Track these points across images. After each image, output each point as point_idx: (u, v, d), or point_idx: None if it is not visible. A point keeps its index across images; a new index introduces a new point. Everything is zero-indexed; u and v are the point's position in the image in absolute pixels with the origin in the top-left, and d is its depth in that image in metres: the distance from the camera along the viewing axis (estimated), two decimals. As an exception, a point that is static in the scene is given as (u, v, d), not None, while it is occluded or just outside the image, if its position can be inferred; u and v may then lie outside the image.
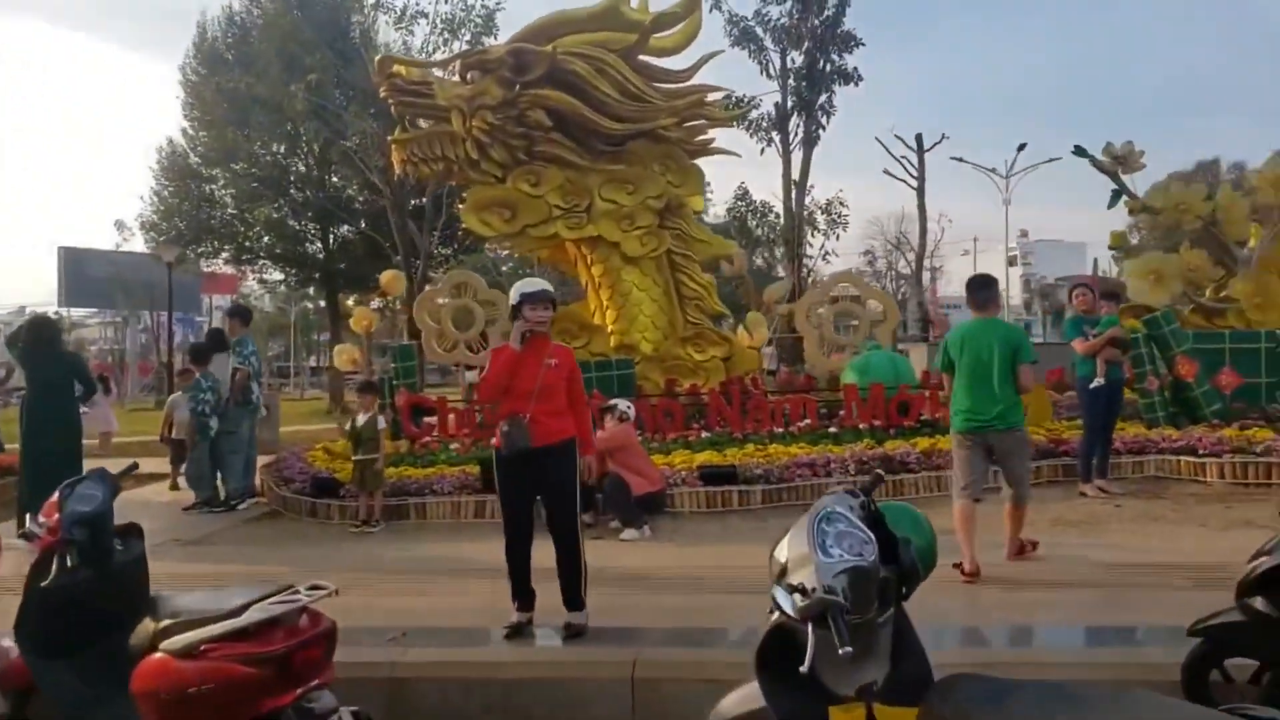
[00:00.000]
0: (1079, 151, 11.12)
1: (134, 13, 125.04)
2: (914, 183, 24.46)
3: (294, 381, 61.05)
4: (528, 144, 11.88)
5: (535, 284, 5.10)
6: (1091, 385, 8.17)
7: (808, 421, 9.95)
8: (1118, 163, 10.81)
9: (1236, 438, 8.51)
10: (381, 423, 8.57)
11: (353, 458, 8.62)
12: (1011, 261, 53.47)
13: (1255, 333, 9.85)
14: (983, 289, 6.04)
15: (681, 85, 12.12)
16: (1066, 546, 6.55)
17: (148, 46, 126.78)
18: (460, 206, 30.15)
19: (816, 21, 20.29)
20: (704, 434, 9.99)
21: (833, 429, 9.78)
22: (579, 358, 11.43)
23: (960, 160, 32.73)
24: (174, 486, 11.05)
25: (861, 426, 9.71)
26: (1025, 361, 5.80)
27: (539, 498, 5.05)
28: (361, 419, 8.54)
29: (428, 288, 13.53)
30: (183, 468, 10.61)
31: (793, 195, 21.17)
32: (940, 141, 24.83)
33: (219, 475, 9.79)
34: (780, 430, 9.90)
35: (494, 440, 5.11)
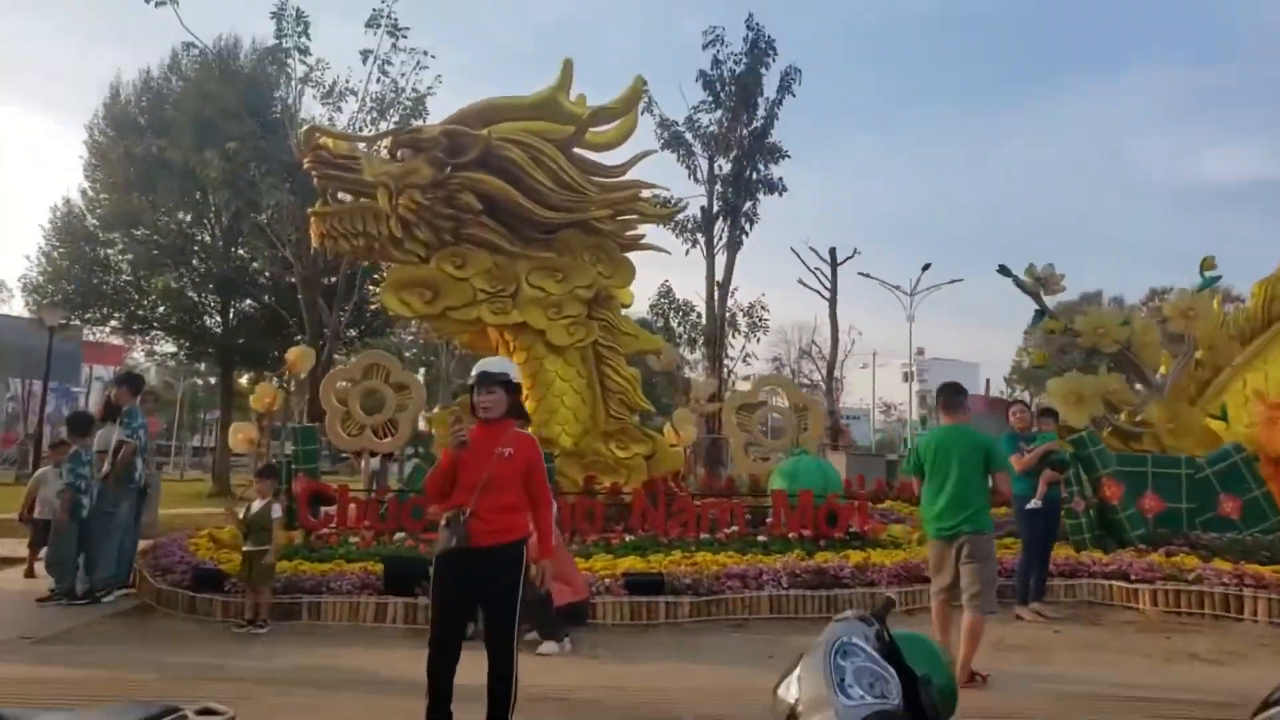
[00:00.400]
0: (1003, 270, 11.34)
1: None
2: (826, 294, 24.99)
3: (174, 461, 57.80)
4: (455, 226, 11.48)
5: (491, 364, 4.63)
6: (1029, 505, 8.02)
7: (735, 528, 9.53)
8: (1039, 284, 11.03)
9: (1166, 564, 8.42)
10: (277, 511, 7.79)
11: (242, 548, 7.77)
12: (906, 377, 55.08)
13: (1176, 458, 9.96)
14: (955, 395, 6.03)
15: (616, 180, 11.98)
16: (1014, 675, 6.21)
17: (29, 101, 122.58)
18: (374, 286, 29.74)
19: (745, 131, 20.80)
20: (626, 537, 9.47)
21: (761, 537, 9.37)
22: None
23: (867, 276, 33.64)
24: (29, 573, 9.87)
25: (790, 536, 9.33)
26: (999, 469, 5.84)
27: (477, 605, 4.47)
28: (256, 505, 7.75)
29: (335, 367, 12.79)
30: (42, 551, 9.49)
31: (715, 296, 21.27)
32: (852, 256, 25.56)
33: (81, 562, 8.74)
34: (706, 536, 9.45)
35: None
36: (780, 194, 21.02)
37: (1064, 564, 8.75)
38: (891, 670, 2.17)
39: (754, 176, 20.29)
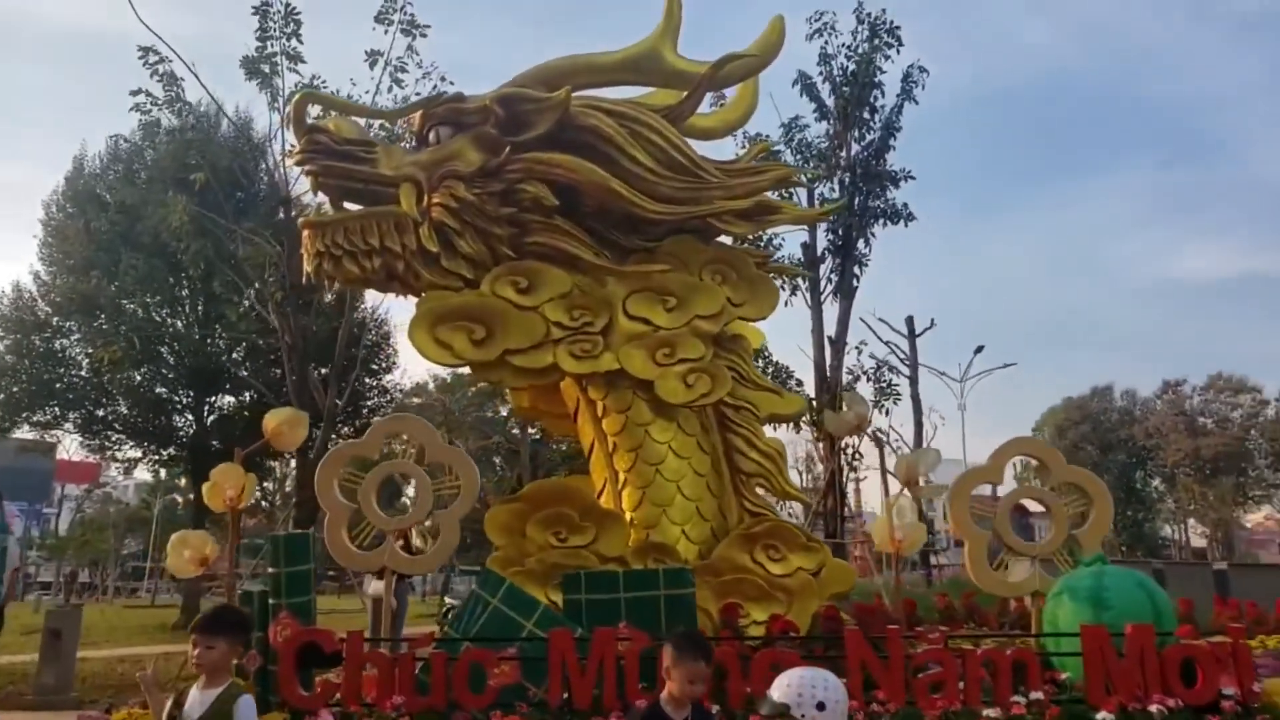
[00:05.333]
0: None
1: None
2: (906, 370, 21.17)
3: (146, 585, 52.73)
4: (515, 233, 7.85)
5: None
6: None
7: (1037, 695, 5.48)
8: None
9: None
10: (246, 710, 3.76)
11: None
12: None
13: None
14: None
15: (743, 164, 8.41)
16: None
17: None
18: (385, 330, 25.39)
19: (858, 147, 17.10)
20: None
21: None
22: (578, 562, 7.00)
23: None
24: None
25: (1128, 708, 5.34)
26: None
27: None
28: (195, 699, 3.74)
29: (339, 445, 8.85)
30: None
31: (827, 355, 17.26)
32: (931, 327, 21.83)
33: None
34: (967, 710, 5.47)
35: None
36: (906, 224, 17.26)
37: None
38: None
39: (872, 202, 16.52)
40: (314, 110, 10.54)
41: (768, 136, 16.12)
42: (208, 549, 6.80)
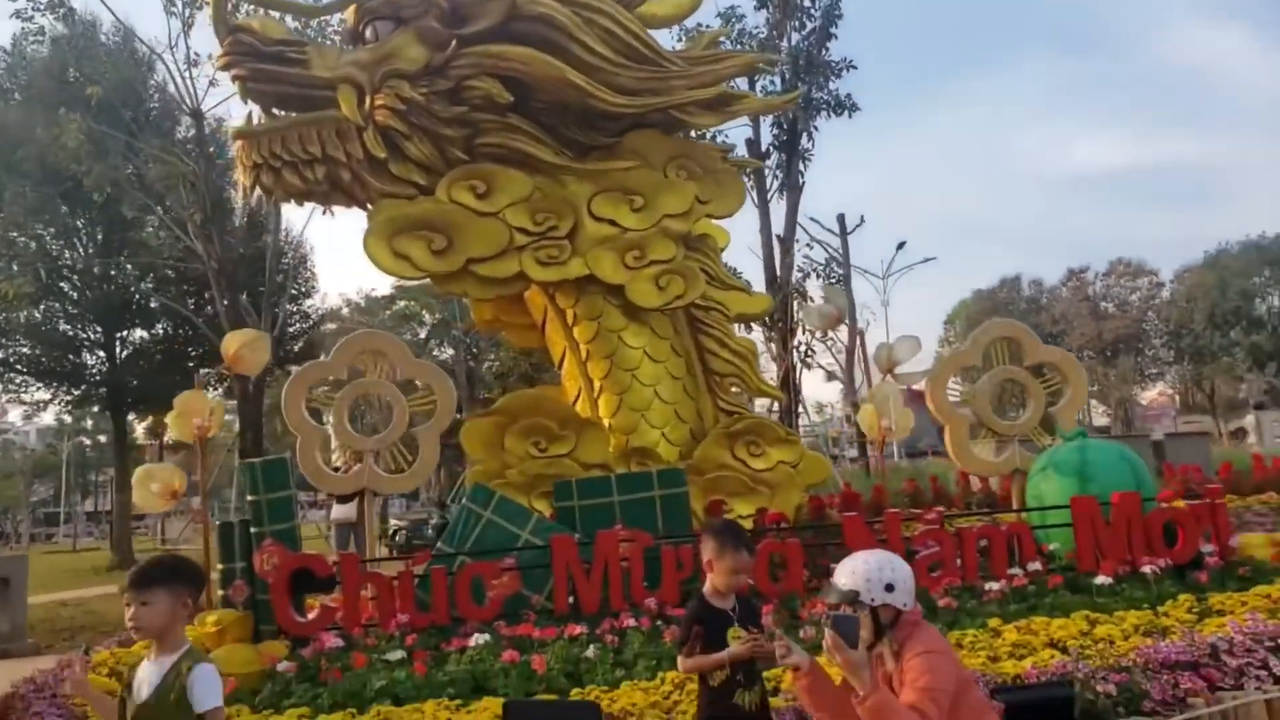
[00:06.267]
0: None
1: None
2: (839, 269, 21.20)
3: (64, 531, 50.99)
4: (468, 134, 7.44)
5: None
6: None
7: (1021, 571, 5.61)
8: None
9: None
10: (207, 688, 2.72)
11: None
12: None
13: None
14: None
15: (702, 52, 8.09)
16: None
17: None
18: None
19: (798, 36, 16.55)
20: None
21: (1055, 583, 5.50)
22: (560, 470, 6.89)
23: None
24: None
25: (1119, 572, 5.53)
26: None
27: None
28: (147, 674, 2.78)
29: (306, 365, 8.34)
30: None
31: (775, 254, 17.05)
32: (861, 224, 21.80)
33: None
34: (967, 586, 5.59)
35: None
36: (850, 114, 16.88)
37: None
38: None
39: (814, 93, 16.05)
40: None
41: (708, 27, 15.60)
42: (176, 481, 6.44)
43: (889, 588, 2.88)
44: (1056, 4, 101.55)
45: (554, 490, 6.41)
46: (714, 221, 8.37)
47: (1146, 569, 5.40)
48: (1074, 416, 7.09)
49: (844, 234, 21.17)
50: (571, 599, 5.48)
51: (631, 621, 5.18)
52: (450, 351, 29.84)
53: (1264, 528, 6.90)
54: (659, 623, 5.16)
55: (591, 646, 4.83)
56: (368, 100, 7.33)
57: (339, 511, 9.65)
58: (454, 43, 7.26)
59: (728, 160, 8.33)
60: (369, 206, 7.58)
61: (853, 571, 2.84)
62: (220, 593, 5.81)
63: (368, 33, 7.62)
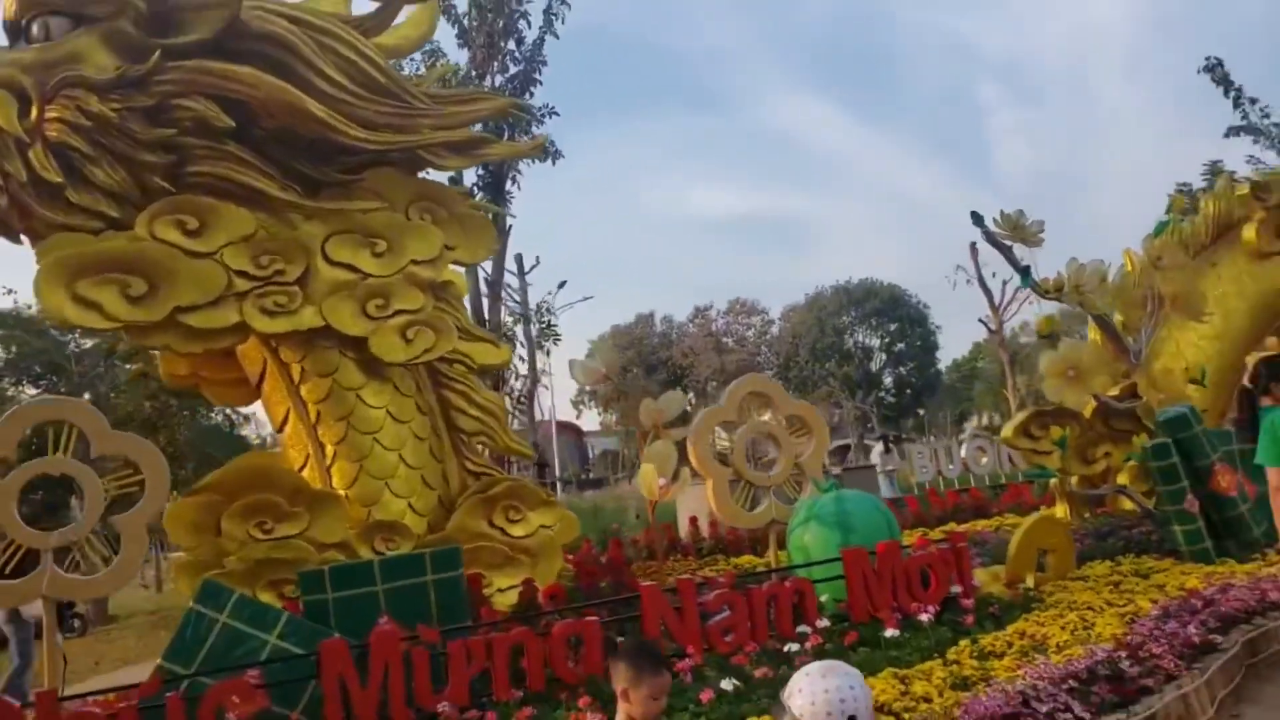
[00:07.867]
0: (975, 219, 8.86)
1: None
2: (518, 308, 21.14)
3: None
4: (173, 161, 6.30)
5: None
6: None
7: (818, 625, 5.61)
8: (1017, 234, 8.71)
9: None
10: None
11: None
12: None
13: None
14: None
15: (453, 91, 7.55)
16: None
17: None
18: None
19: (502, 79, 15.91)
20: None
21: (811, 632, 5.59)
22: (293, 554, 6.02)
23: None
24: None
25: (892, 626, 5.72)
26: None
27: None
28: None
29: None
30: None
31: (483, 300, 16.18)
32: (536, 265, 21.92)
33: None
34: (766, 650, 5.49)
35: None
36: (554, 161, 16.54)
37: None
38: None
39: (515, 138, 15.45)
40: None
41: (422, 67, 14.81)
42: None
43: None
44: (689, 60, 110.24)
45: (300, 581, 5.46)
46: (457, 269, 7.81)
47: (923, 616, 5.63)
48: (819, 465, 7.39)
49: (522, 274, 21.38)
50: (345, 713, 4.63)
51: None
52: (33, 391, 23.47)
53: (978, 561, 7.60)
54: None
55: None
56: (35, 111, 5.98)
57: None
58: (157, 54, 6.13)
59: (472, 204, 7.83)
60: (33, 240, 6.17)
61: (811, 704, 2.49)
62: None
63: (35, 29, 6.24)
